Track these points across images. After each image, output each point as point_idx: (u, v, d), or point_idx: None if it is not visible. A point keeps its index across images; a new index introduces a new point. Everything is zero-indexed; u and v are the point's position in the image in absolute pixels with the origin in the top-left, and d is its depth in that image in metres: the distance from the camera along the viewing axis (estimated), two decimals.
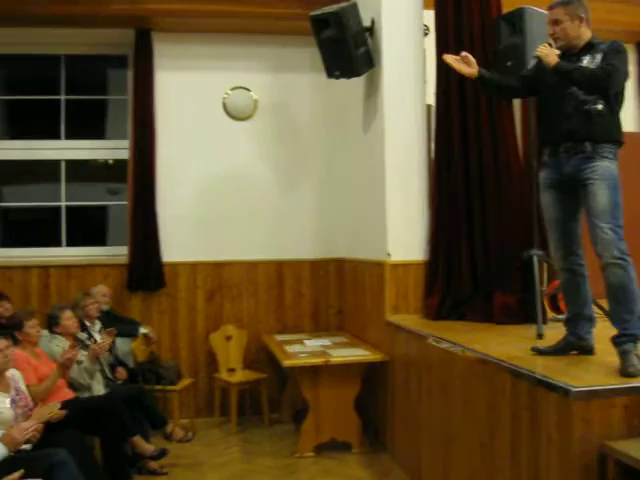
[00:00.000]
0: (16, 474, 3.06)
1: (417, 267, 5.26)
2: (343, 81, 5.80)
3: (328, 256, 6.76)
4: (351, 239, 6.43)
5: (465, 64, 3.72)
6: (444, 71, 4.96)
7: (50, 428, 3.75)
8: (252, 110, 6.74)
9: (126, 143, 6.67)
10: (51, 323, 4.96)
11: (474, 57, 3.74)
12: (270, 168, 6.71)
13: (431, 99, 5.44)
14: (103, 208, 9.13)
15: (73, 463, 3.41)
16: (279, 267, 6.70)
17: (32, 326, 4.60)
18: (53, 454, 3.39)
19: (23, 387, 4.03)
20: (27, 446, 3.64)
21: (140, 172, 6.41)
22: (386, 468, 5.09)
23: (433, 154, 5.33)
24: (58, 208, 6.89)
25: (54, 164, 6.94)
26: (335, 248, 6.74)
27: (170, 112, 6.56)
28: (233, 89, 6.72)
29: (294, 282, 6.72)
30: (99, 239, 7.91)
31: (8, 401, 3.75)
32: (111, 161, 7.43)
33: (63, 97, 6.95)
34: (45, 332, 4.88)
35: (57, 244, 6.86)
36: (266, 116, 6.75)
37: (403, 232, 5.26)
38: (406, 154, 5.32)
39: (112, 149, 6.99)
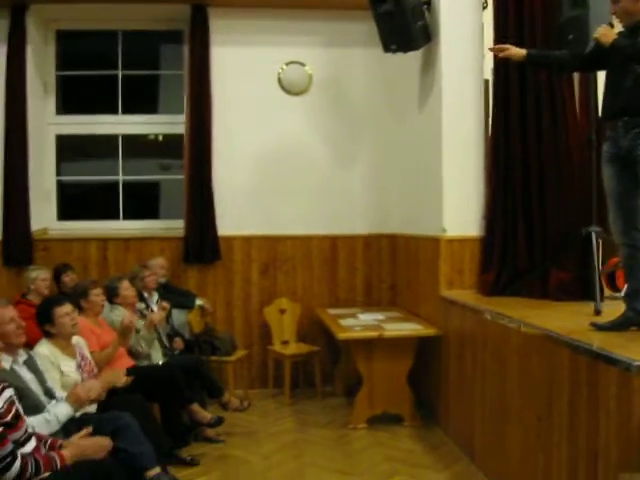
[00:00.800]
0: (84, 431, 3.17)
1: (473, 242, 5.25)
2: (399, 56, 5.76)
3: (381, 231, 6.77)
4: (405, 215, 6.43)
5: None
6: None
7: (114, 393, 3.87)
8: (307, 85, 6.75)
9: (181, 118, 6.78)
10: (110, 294, 5.10)
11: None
12: (325, 143, 6.73)
13: (489, 74, 5.38)
14: (155, 183, 9.29)
15: (137, 426, 3.53)
16: (333, 242, 6.74)
17: (97, 294, 4.75)
18: (118, 417, 3.51)
19: (87, 353, 4.17)
20: (91, 408, 3.78)
21: (196, 146, 6.50)
22: (438, 441, 5.13)
23: (490, 129, 5.28)
24: (114, 183, 7.04)
25: (110, 139, 7.08)
26: (388, 224, 6.75)
27: (225, 87, 6.62)
28: (288, 64, 6.74)
29: (347, 257, 6.76)
30: (152, 213, 8.03)
31: (74, 365, 3.88)
32: (161, 137, 7.54)
33: (120, 72, 7.06)
34: (106, 303, 5.02)
35: (115, 217, 7.02)
36: (321, 91, 6.75)
37: (459, 207, 5.24)
38: (463, 129, 5.28)
39: (167, 124, 7.09)
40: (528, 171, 4.98)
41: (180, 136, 6.76)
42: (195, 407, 4.80)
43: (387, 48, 5.68)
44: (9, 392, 2.93)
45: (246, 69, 6.68)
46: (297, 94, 6.74)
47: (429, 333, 5.34)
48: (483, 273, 5.17)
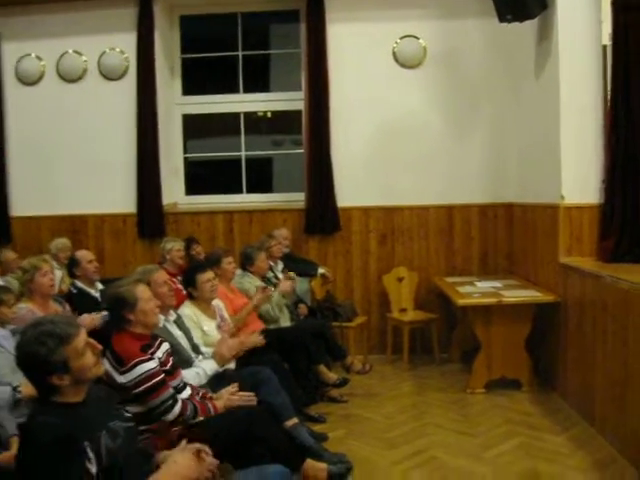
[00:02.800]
0: (232, 387, 3.48)
1: (591, 209, 5.22)
2: (513, 25, 5.75)
3: (497, 201, 6.80)
4: (522, 183, 6.45)
5: None
6: (621, 10, 4.85)
7: (251, 352, 4.19)
8: (421, 58, 6.82)
9: (297, 94, 7.05)
10: (246, 262, 5.43)
11: None
12: (440, 114, 6.81)
13: (607, 39, 5.31)
14: (269, 158, 9.60)
15: (276, 380, 3.83)
16: (449, 212, 6.84)
17: (229, 262, 5.09)
18: (259, 372, 3.82)
19: (226, 315, 4.52)
20: (231, 365, 4.10)
21: (315, 121, 6.74)
22: (556, 406, 5.21)
23: (610, 94, 5.23)
24: (234, 159, 7.38)
25: (228, 117, 7.42)
26: (505, 192, 6.77)
27: (341, 63, 6.82)
28: (402, 38, 6.83)
29: (464, 226, 6.84)
30: (266, 187, 8.30)
31: (214, 326, 4.22)
32: (269, 114, 7.80)
33: (240, 53, 7.38)
34: (238, 270, 5.35)
35: (238, 191, 7.38)
36: (435, 63, 6.82)
37: (577, 174, 5.23)
38: (581, 96, 5.23)
39: (284, 101, 7.35)
40: None
41: (292, 112, 7.04)
42: (321, 368, 5.09)
43: (502, 18, 5.68)
44: (166, 345, 3.29)
45: (361, 44, 6.83)
46: (412, 67, 6.84)
47: (548, 299, 5.39)
48: (602, 240, 5.14)
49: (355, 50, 6.84)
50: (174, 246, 6.08)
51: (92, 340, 2.36)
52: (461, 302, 5.48)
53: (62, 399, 2.25)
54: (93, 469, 2.18)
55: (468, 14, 6.74)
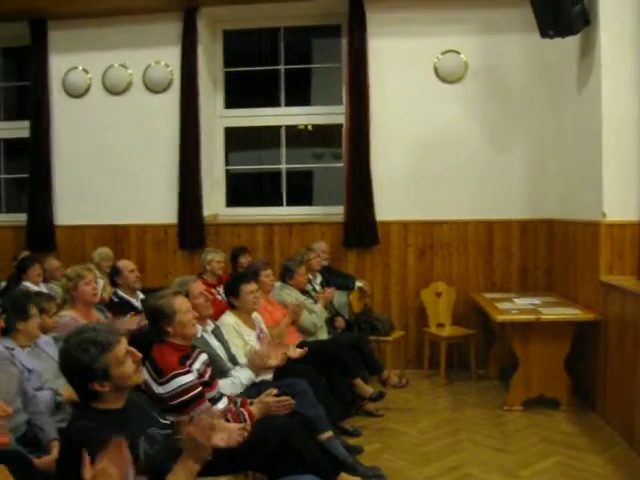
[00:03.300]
0: (270, 391, 3.51)
1: (633, 227, 5.15)
2: (555, 41, 5.70)
3: (537, 217, 6.74)
4: (563, 199, 6.38)
5: None
6: None
7: (288, 364, 4.22)
8: (463, 73, 6.82)
9: (337, 108, 7.12)
10: (286, 275, 5.48)
11: None
12: (480, 129, 6.79)
13: None
14: (309, 171, 9.67)
15: (312, 392, 3.85)
16: (489, 227, 6.80)
17: (267, 275, 5.14)
18: (295, 383, 3.85)
19: (264, 327, 4.56)
20: (268, 376, 4.14)
21: (355, 135, 6.77)
22: (595, 425, 5.13)
23: None
24: (275, 171, 7.46)
25: (268, 130, 7.51)
26: (545, 209, 6.70)
27: (383, 77, 6.85)
28: (444, 53, 6.84)
29: (503, 242, 6.79)
30: (306, 200, 8.36)
31: (254, 336, 4.27)
32: (310, 127, 7.85)
33: (282, 67, 7.46)
34: (277, 283, 5.40)
35: (278, 204, 7.45)
36: (477, 78, 6.80)
37: (619, 192, 5.16)
38: (624, 111, 5.17)
39: (324, 114, 7.41)
40: None
41: (333, 126, 7.11)
42: (358, 381, 5.10)
43: (544, 33, 5.65)
44: (204, 356, 3.34)
45: (402, 59, 6.86)
46: (453, 82, 6.84)
47: (588, 318, 5.33)
48: None
49: (396, 65, 6.86)
50: (214, 257, 6.18)
51: (132, 348, 2.43)
52: (500, 318, 5.45)
53: (103, 405, 2.31)
54: (131, 473, 2.23)
55: (510, 29, 6.72)
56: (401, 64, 6.86)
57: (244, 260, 6.43)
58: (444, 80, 6.85)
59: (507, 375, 5.81)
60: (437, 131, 6.81)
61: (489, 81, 6.80)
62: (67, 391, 3.39)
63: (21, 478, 2.06)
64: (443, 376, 6.39)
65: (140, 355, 2.47)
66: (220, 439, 2.42)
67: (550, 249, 6.71)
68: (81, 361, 2.27)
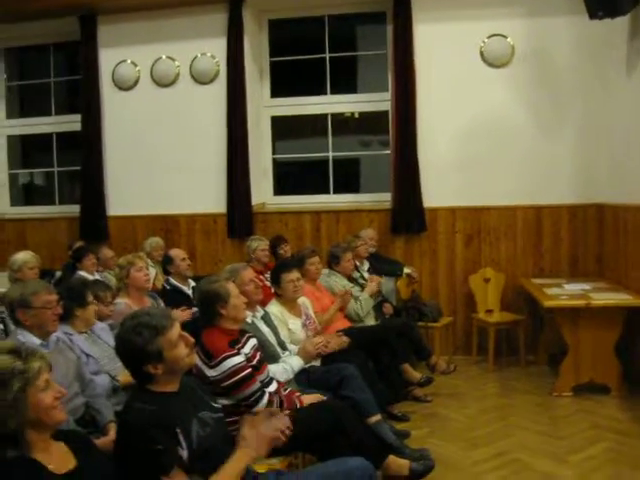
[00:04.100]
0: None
1: None
2: (604, 22, 5.62)
3: (587, 201, 6.65)
4: (613, 183, 6.28)
5: None
6: None
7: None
8: (509, 57, 6.74)
9: (383, 95, 7.13)
10: (332, 261, 5.54)
11: None
12: (528, 114, 6.71)
13: None
14: (356, 159, 9.66)
15: (361, 377, 3.90)
16: (537, 212, 6.73)
17: (312, 263, 5.19)
18: (344, 368, 3.91)
19: (311, 313, 4.63)
20: (317, 362, 4.20)
21: (402, 122, 6.77)
22: None
23: None
24: (321, 159, 7.50)
25: (314, 118, 7.55)
26: (594, 193, 6.60)
27: (428, 63, 6.82)
28: (490, 37, 6.77)
29: (552, 227, 6.72)
30: (353, 188, 8.36)
31: (299, 324, 4.33)
32: (356, 114, 7.85)
33: (328, 55, 7.49)
34: (325, 270, 5.46)
35: (325, 192, 7.49)
36: (523, 62, 6.72)
37: None
38: None
39: (370, 102, 7.42)
40: None
41: (379, 113, 7.13)
42: (406, 367, 5.13)
43: (593, 15, 5.58)
44: (254, 340, 3.42)
45: (448, 44, 6.81)
46: (499, 66, 6.76)
47: (639, 303, 5.27)
48: None
49: (442, 50, 6.82)
50: (259, 245, 6.26)
51: (185, 333, 2.50)
52: (548, 303, 5.42)
53: (157, 388, 2.40)
54: (184, 454, 2.31)
55: (557, 11, 6.62)
56: (447, 49, 6.81)
57: (282, 251, 6.50)
58: (490, 64, 6.78)
59: (557, 361, 5.78)
60: (484, 116, 6.76)
61: (536, 65, 6.71)
62: (123, 376, 3.51)
63: (81, 456, 2.14)
64: (492, 362, 6.38)
65: (193, 340, 2.54)
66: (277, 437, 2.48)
67: (600, 234, 6.62)
68: (135, 344, 2.37)
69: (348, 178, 8.94)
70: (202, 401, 2.58)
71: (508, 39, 6.75)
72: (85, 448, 2.18)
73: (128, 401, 2.47)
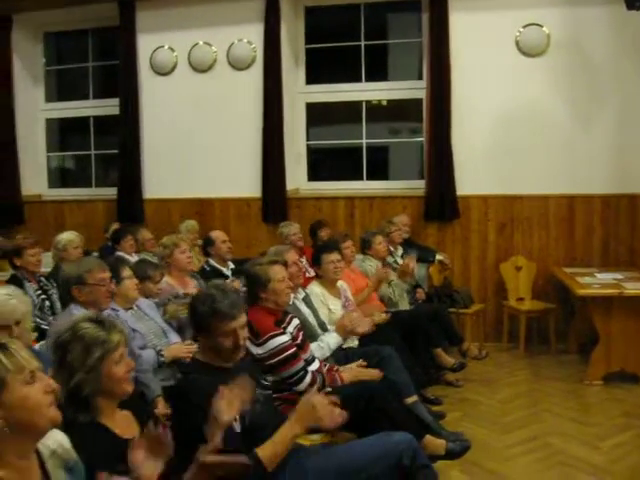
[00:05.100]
0: (360, 362, 3.67)
1: None
2: None
3: (621, 191, 6.64)
4: None
5: None
6: None
7: (374, 331, 4.36)
8: (545, 46, 6.73)
9: (417, 83, 7.19)
10: (364, 246, 5.64)
11: None
12: (563, 103, 6.71)
13: None
14: (385, 147, 9.70)
15: (398, 358, 3.99)
16: (570, 201, 6.74)
17: (347, 247, 5.29)
18: (382, 350, 4.00)
19: (350, 295, 4.73)
20: (354, 343, 4.30)
21: (436, 110, 6.82)
22: None
23: None
24: (352, 146, 7.57)
25: (345, 105, 7.61)
26: (628, 184, 6.60)
27: (463, 51, 6.84)
28: (525, 26, 6.76)
29: (585, 217, 6.73)
30: (382, 175, 8.40)
31: (339, 305, 4.43)
32: (384, 102, 7.89)
33: (363, 43, 7.53)
34: (359, 255, 5.56)
35: (357, 178, 7.57)
36: (559, 51, 6.70)
37: None
38: None
39: (405, 89, 7.46)
40: None
41: (408, 100, 7.24)
42: (439, 351, 5.21)
43: (631, 5, 5.58)
44: (296, 321, 3.52)
45: (483, 33, 6.81)
46: (535, 56, 6.76)
47: None
48: None
49: (477, 39, 6.82)
50: (290, 230, 6.37)
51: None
52: (581, 292, 5.46)
53: (216, 363, 2.51)
54: (237, 428, 2.42)
55: (593, 1, 6.59)
56: (482, 38, 6.81)
57: (323, 233, 6.58)
58: (526, 54, 6.78)
59: (588, 349, 5.80)
60: (518, 105, 6.77)
61: (572, 54, 6.69)
62: (169, 351, 3.63)
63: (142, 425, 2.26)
64: (522, 349, 6.44)
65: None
66: (329, 420, 2.56)
67: (633, 224, 6.63)
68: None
69: (377, 165, 9.01)
70: (253, 377, 2.69)
71: (544, 28, 6.74)
72: (147, 417, 2.29)
73: (184, 372, 2.59)
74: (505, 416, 4.88)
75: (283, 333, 3.39)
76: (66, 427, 1.91)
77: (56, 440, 1.87)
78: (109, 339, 2.14)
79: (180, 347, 3.70)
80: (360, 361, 3.71)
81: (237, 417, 2.41)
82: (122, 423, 2.19)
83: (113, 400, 2.18)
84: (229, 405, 2.19)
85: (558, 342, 6.54)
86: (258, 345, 3.34)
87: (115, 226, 7.04)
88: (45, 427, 1.75)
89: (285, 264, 3.71)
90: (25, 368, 1.72)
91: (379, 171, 8.13)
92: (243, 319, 2.64)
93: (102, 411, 2.14)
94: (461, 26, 6.83)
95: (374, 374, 3.63)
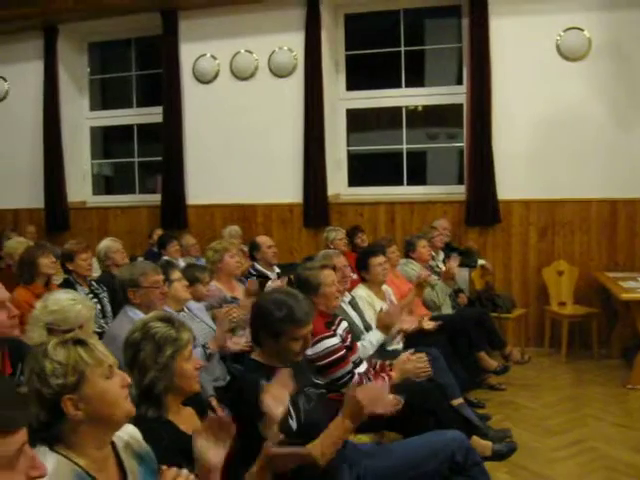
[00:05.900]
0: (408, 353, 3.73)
1: None
2: None
3: None
4: None
5: None
6: None
7: (419, 334, 4.42)
8: (586, 50, 6.72)
9: (456, 89, 7.24)
10: (408, 249, 5.70)
11: None
12: (604, 107, 6.68)
13: None
14: (423, 151, 9.76)
15: (444, 360, 4.04)
16: (612, 206, 6.70)
17: (392, 251, 5.35)
18: (427, 352, 4.03)
19: (394, 299, 4.78)
20: (399, 346, 4.36)
21: (477, 115, 6.84)
22: None
23: None
24: (392, 152, 7.62)
25: (382, 111, 7.67)
26: None
27: (504, 56, 6.85)
28: (566, 30, 6.75)
29: (628, 221, 6.69)
30: (420, 179, 8.44)
31: (384, 307, 4.48)
32: (420, 107, 7.93)
33: (403, 49, 7.59)
34: (402, 259, 5.62)
35: (397, 183, 7.62)
36: (600, 56, 6.68)
37: None
38: None
39: (444, 95, 7.51)
40: None
41: (445, 106, 7.31)
42: (483, 355, 5.24)
43: None
44: (345, 323, 3.59)
45: (524, 37, 6.82)
46: (576, 60, 6.75)
47: None
48: None
49: (518, 43, 6.84)
50: (337, 235, 6.44)
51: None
52: (625, 296, 5.45)
53: (270, 362, 2.59)
54: (294, 425, 2.49)
55: (635, 4, 6.56)
56: (523, 42, 6.83)
57: (359, 240, 6.65)
58: (567, 58, 6.77)
59: (630, 354, 5.77)
60: (559, 110, 6.76)
61: (613, 58, 6.67)
62: (212, 343, 3.69)
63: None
64: (564, 354, 6.41)
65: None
66: (382, 406, 2.61)
67: None
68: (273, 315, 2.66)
69: (416, 170, 9.06)
70: (306, 377, 2.77)
71: (585, 32, 6.72)
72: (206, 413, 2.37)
73: (242, 371, 2.68)
74: (548, 420, 4.89)
75: (333, 335, 3.46)
76: (135, 422, 1.99)
77: (128, 432, 1.95)
78: (179, 337, 2.23)
79: (222, 334, 3.73)
80: (410, 351, 3.75)
81: (293, 415, 2.49)
82: (187, 420, 2.28)
83: (180, 397, 2.27)
84: (276, 400, 2.25)
85: (600, 347, 6.51)
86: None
87: (158, 232, 7.17)
88: (121, 419, 1.82)
89: (334, 268, 3.78)
90: (104, 362, 1.78)
91: (417, 176, 8.18)
92: (312, 325, 2.72)
93: (169, 408, 2.22)
94: (502, 30, 6.85)
95: (422, 369, 3.65)
